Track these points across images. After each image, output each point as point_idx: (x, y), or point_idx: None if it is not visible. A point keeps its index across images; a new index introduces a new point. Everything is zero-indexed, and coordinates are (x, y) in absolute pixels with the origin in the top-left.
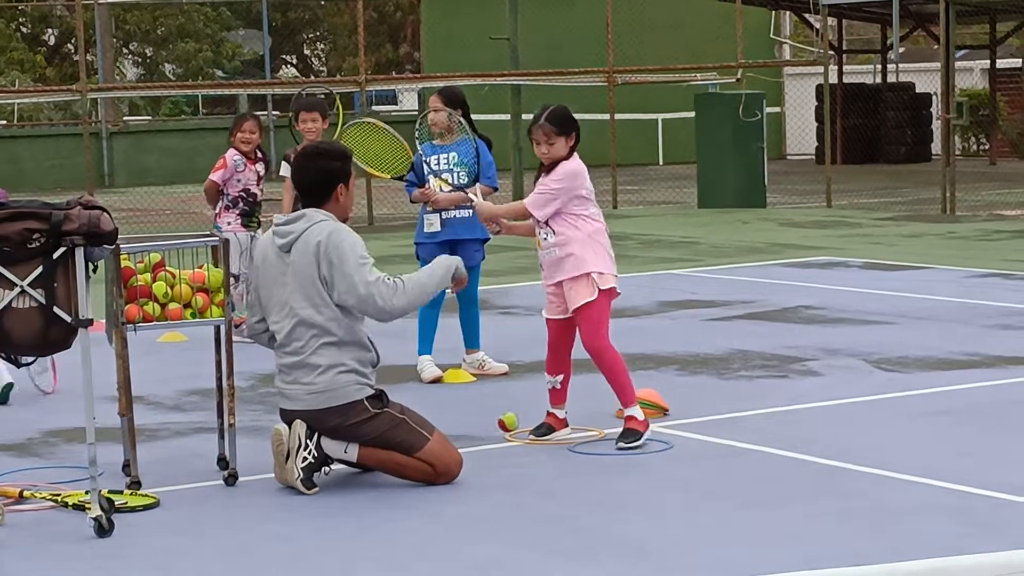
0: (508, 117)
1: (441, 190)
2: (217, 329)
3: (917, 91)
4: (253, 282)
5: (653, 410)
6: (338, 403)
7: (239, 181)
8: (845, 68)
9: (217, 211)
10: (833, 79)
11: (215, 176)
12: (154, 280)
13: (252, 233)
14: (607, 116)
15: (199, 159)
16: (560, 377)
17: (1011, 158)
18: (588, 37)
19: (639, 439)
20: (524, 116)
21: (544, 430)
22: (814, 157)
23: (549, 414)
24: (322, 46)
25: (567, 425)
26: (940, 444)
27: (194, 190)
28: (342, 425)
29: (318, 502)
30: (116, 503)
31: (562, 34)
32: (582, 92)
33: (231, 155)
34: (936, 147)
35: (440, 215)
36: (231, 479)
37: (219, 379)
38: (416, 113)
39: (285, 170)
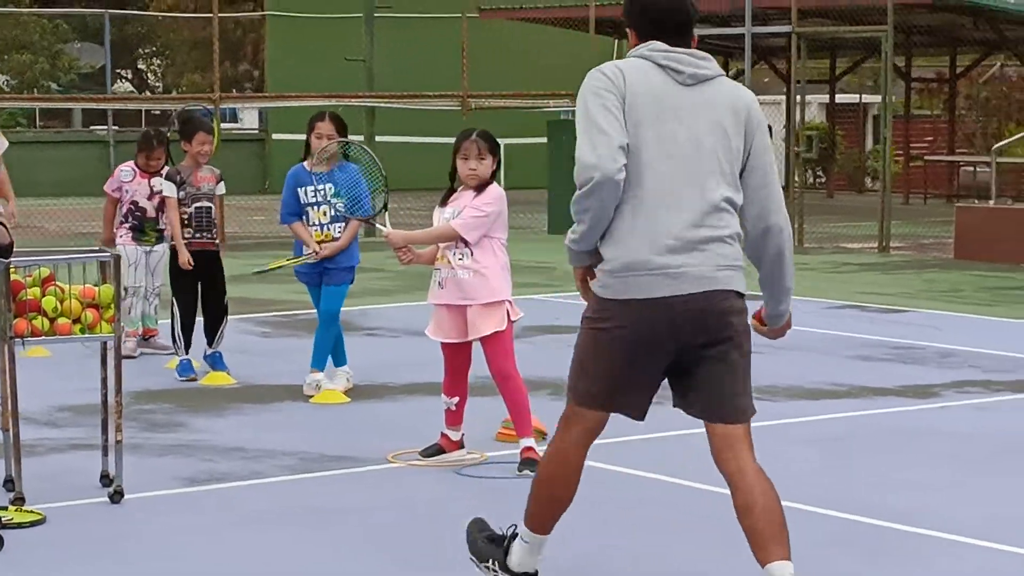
0: (362, 139)
1: (319, 223)
2: (104, 345)
3: None
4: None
5: (533, 434)
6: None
7: (127, 193)
8: None
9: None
10: None
11: (105, 186)
12: (43, 294)
13: (147, 248)
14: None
15: (37, 172)
16: (456, 399)
17: (847, 191)
18: (443, 61)
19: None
20: (378, 138)
21: (433, 451)
22: None
23: (443, 435)
24: (158, 61)
25: (462, 447)
26: (818, 472)
27: (34, 203)
28: None
29: (204, 520)
30: (3, 519)
31: (416, 57)
32: (436, 116)
33: (122, 166)
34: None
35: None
36: (117, 496)
37: (104, 395)
38: (257, 132)
39: (170, 189)
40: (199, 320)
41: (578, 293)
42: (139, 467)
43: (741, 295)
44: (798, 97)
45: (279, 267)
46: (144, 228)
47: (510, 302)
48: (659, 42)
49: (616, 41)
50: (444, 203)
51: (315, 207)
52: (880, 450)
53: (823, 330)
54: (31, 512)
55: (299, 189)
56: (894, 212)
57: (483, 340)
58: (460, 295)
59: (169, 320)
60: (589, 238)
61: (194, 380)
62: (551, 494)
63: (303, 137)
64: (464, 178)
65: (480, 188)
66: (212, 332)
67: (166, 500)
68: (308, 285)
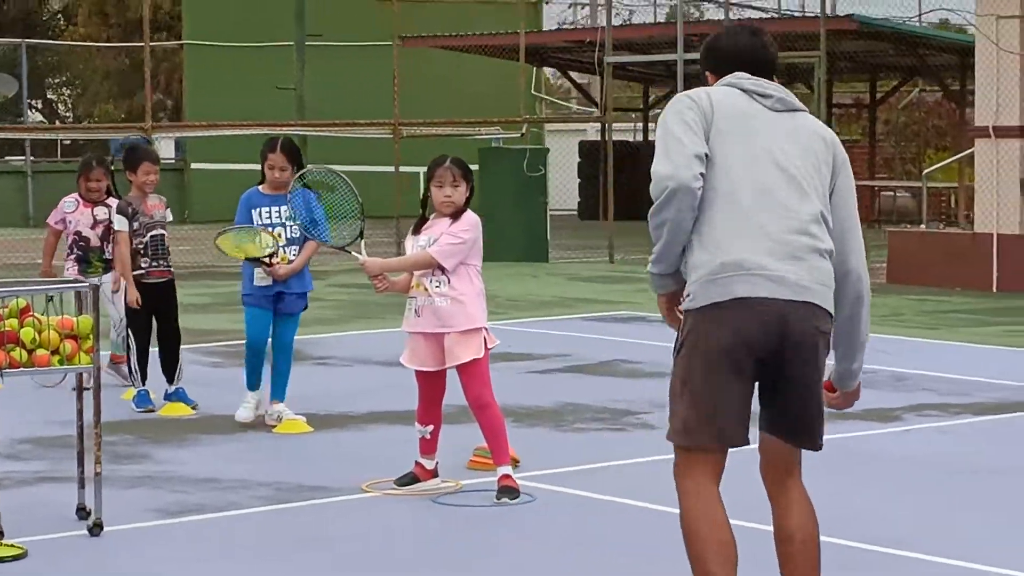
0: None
1: (275, 244)
2: (80, 376)
3: None
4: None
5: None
6: None
7: (71, 224)
8: (595, 126)
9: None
10: (593, 136)
11: (48, 218)
12: (21, 325)
13: (94, 280)
14: (392, 168)
15: None
16: (431, 427)
17: None
18: (375, 89)
19: (518, 496)
20: (309, 166)
21: (408, 480)
22: (577, 213)
23: (417, 464)
24: (68, 91)
25: (436, 475)
26: None
27: None
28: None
29: (190, 551)
30: None
31: (348, 85)
32: (368, 144)
33: (65, 198)
34: None
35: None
36: (96, 528)
37: (80, 427)
38: (174, 162)
39: (121, 223)
40: (154, 351)
41: (522, 320)
42: (111, 499)
43: (831, 317)
44: None
45: (241, 252)
46: (89, 259)
47: (486, 329)
48: (743, 72)
49: (535, 69)
50: (417, 231)
51: (268, 228)
52: (852, 473)
53: None
54: (12, 546)
55: (252, 211)
56: None
57: (460, 368)
58: (438, 323)
59: (125, 352)
60: (668, 256)
61: (152, 411)
62: (711, 547)
63: (224, 166)
64: (439, 205)
65: (456, 215)
66: (170, 367)
67: (146, 532)
68: (258, 308)
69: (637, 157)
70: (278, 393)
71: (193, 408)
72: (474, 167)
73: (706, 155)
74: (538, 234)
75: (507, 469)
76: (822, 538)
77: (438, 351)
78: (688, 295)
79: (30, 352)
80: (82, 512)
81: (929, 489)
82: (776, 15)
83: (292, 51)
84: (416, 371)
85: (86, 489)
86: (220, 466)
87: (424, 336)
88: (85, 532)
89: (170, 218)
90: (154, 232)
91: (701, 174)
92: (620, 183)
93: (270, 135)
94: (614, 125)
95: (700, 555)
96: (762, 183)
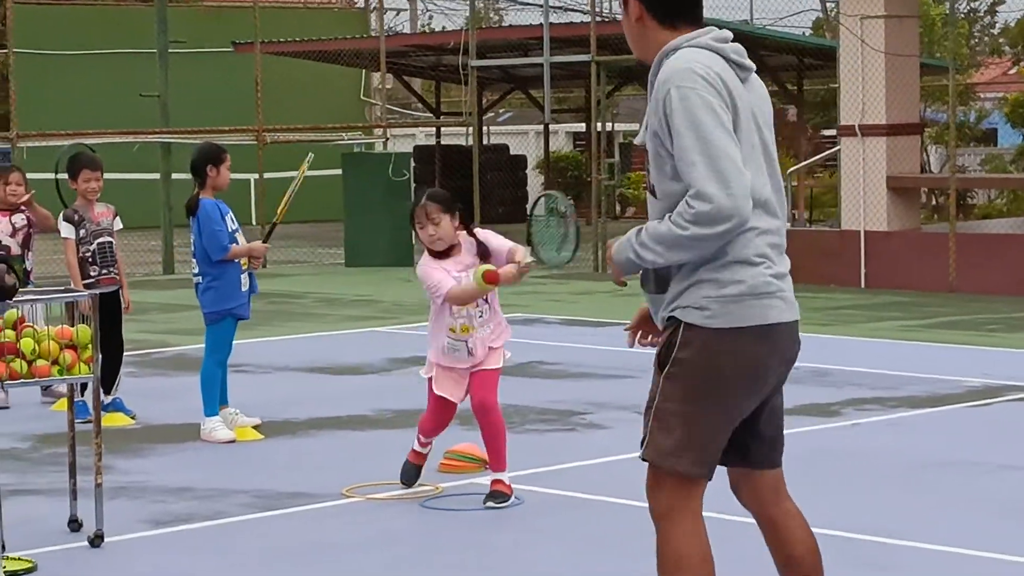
0: (158, 176)
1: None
2: (71, 387)
3: (512, 153)
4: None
5: (474, 463)
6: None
7: None
8: (426, 131)
9: None
10: (425, 140)
11: None
12: (19, 336)
13: None
14: (256, 175)
15: None
16: (431, 442)
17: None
18: (239, 96)
19: (508, 500)
20: (175, 176)
21: (410, 472)
22: None
23: (412, 452)
24: None
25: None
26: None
27: None
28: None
29: (197, 558)
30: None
31: (212, 93)
32: (236, 151)
33: None
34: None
35: (248, 273)
36: (97, 540)
37: (72, 438)
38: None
39: (67, 231)
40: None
41: (414, 324)
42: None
43: None
44: (599, 126)
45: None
46: (7, 266)
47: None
48: (718, 30)
49: (363, 73)
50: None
51: (238, 232)
52: (816, 469)
53: None
54: (22, 560)
55: (226, 218)
56: None
57: (476, 372)
58: (485, 349)
59: None
60: (675, 264)
61: (91, 422)
62: None
63: (54, 176)
64: (430, 245)
65: (452, 248)
66: (111, 377)
67: (147, 542)
68: (239, 319)
69: (469, 161)
70: (225, 397)
71: (132, 418)
72: (336, 172)
73: None
74: (404, 238)
75: (503, 475)
76: (819, 530)
77: (465, 384)
78: (701, 308)
79: (30, 363)
80: (74, 524)
81: (895, 483)
82: (601, 18)
83: (149, 59)
84: (441, 397)
85: (79, 500)
86: (188, 475)
87: (461, 372)
88: (86, 544)
89: (119, 226)
90: (101, 240)
91: None
92: (453, 187)
93: (135, 143)
94: (447, 130)
95: None
96: (768, 191)
